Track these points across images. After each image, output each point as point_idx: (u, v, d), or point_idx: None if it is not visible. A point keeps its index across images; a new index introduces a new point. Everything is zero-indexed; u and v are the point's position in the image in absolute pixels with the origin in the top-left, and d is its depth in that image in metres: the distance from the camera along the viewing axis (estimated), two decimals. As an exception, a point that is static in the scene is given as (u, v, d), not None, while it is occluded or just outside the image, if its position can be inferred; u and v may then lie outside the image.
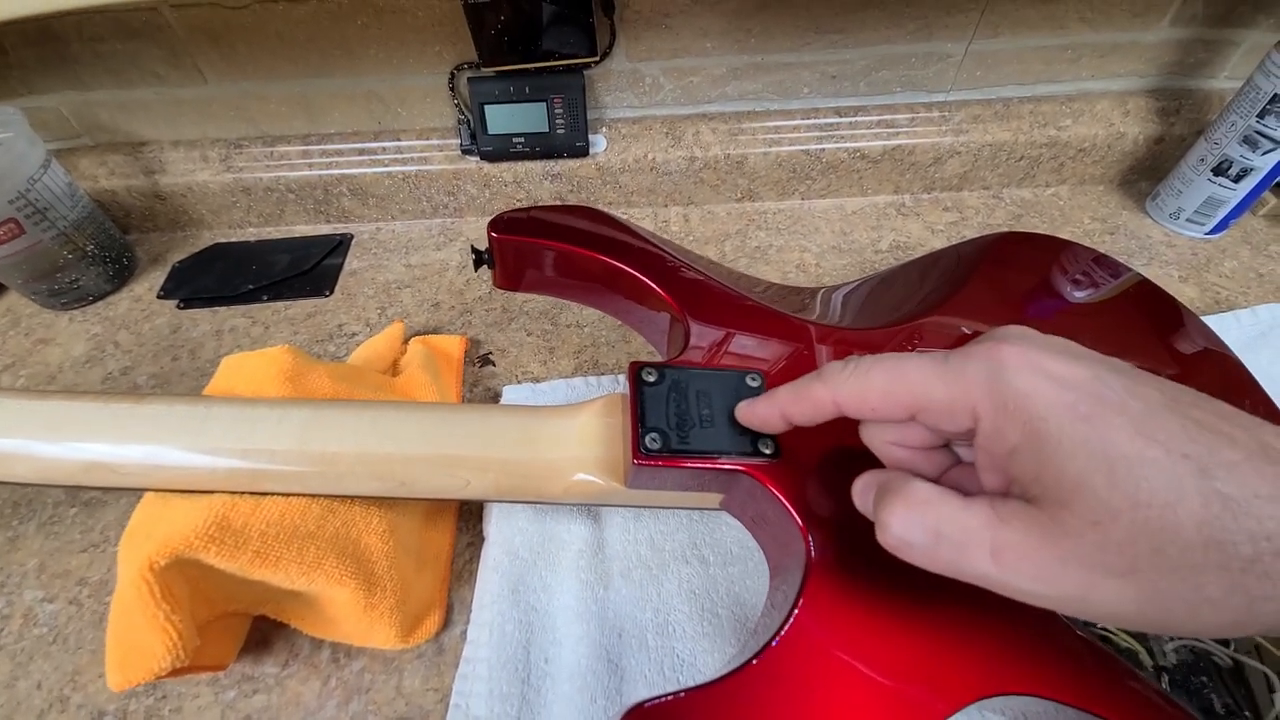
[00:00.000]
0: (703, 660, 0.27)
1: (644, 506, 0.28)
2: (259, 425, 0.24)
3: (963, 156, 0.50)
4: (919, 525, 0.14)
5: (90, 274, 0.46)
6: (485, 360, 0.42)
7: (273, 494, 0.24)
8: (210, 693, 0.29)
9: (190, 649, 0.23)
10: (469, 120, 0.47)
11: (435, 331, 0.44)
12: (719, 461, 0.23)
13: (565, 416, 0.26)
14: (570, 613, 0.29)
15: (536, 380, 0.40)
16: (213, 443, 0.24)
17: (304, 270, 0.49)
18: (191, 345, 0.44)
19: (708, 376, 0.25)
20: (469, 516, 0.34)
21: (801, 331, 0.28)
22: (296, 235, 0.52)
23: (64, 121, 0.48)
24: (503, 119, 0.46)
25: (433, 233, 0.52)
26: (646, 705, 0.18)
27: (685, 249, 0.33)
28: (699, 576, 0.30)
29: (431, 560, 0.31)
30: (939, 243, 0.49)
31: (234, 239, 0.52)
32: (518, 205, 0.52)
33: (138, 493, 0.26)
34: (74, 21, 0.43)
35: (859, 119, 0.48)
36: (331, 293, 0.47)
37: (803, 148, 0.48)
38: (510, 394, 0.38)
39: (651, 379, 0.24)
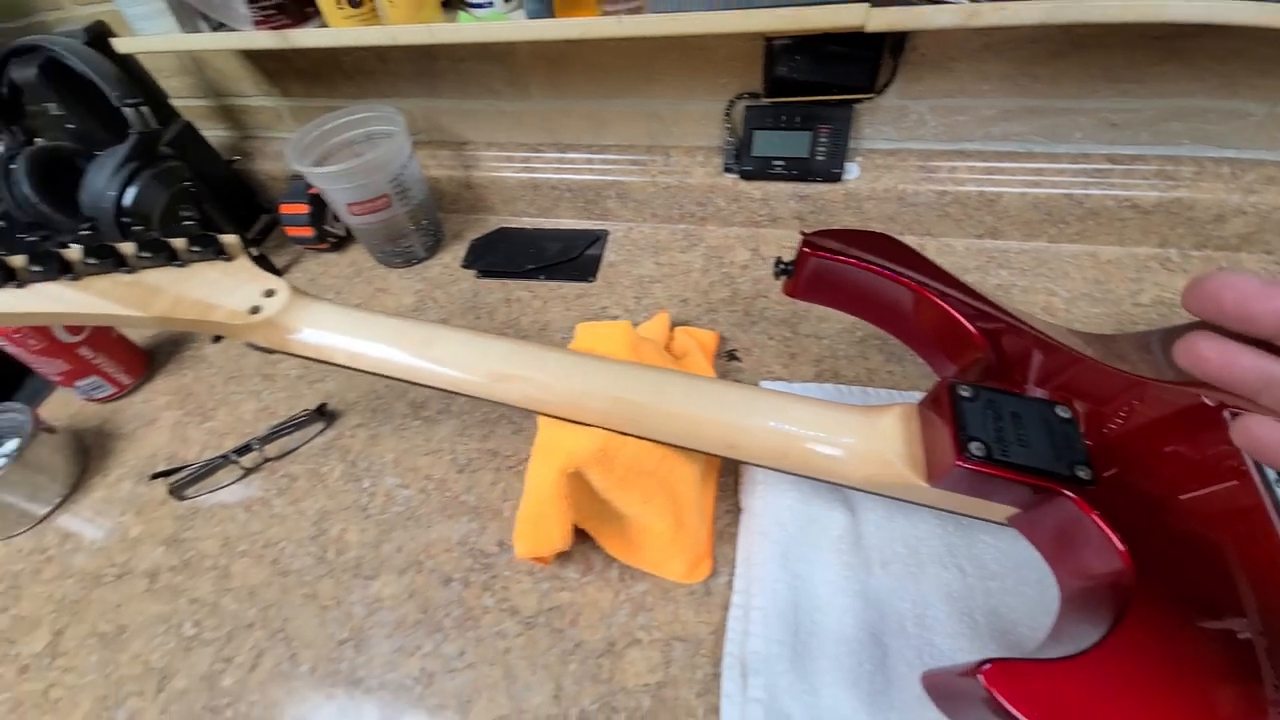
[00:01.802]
0: (963, 658, 0.30)
1: (929, 506, 0.31)
2: (632, 382, 0.31)
3: (1249, 217, 0.47)
4: None
5: (418, 242, 0.59)
6: (732, 356, 0.47)
7: (632, 435, 0.31)
8: (530, 581, 0.37)
9: (570, 539, 0.30)
10: (736, 142, 0.53)
11: (685, 324, 0.50)
12: (1041, 480, 0.25)
13: (870, 415, 0.30)
14: (832, 587, 0.33)
15: (780, 380, 0.44)
16: (596, 387, 0.31)
17: (572, 257, 0.58)
18: (489, 308, 0.55)
19: (1020, 401, 0.27)
20: (725, 488, 0.39)
21: (1109, 378, 0.30)
22: (563, 227, 0.62)
23: (413, 120, 0.61)
24: (768, 143, 0.52)
25: (677, 236, 0.59)
26: (1003, 661, 0.21)
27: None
28: (957, 583, 0.32)
29: (705, 515, 0.36)
30: (1208, 303, 0.46)
31: (513, 224, 0.63)
32: (758, 220, 0.57)
33: (507, 412, 0.34)
34: (447, 44, 0.54)
35: (1135, 167, 0.47)
36: (594, 279, 0.56)
37: (1065, 192, 0.48)
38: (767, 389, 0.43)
39: (967, 394, 0.27)
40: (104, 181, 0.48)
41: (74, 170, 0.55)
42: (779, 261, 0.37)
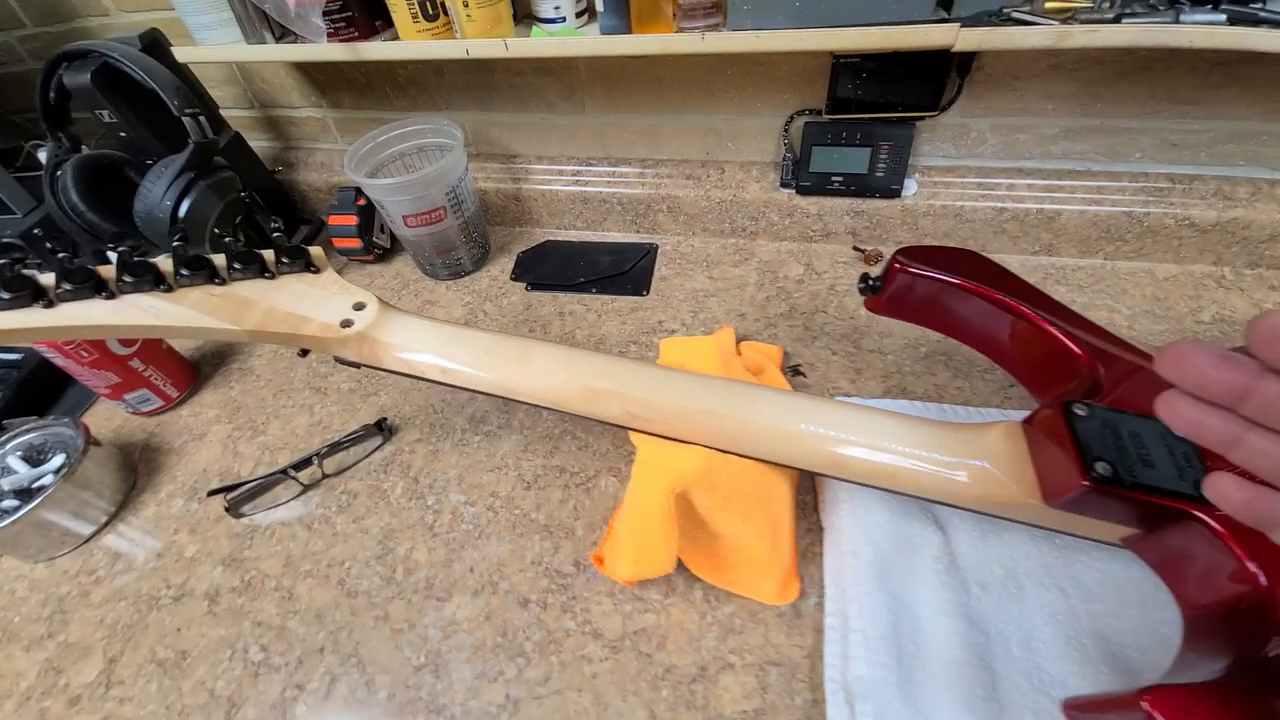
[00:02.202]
0: (1074, 684, 0.29)
1: (1036, 526, 0.31)
2: (734, 398, 0.31)
3: (1303, 236, 0.47)
4: None
5: (467, 255, 0.58)
6: (796, 371, 0.47)
7: (734, 453, 0.30)
8: (610, 603, 0.36)
9: (675, 561, 0.29)
10: (793, 158, 0.53)
11: (747, 339, 0.50)
12: (1170, 500, 0.25)
13: (973, 433, 0.30)
14: (933, 608, 0.32)
15: (852, 396, 0.44)
16: (699, 404, 0.31)
17: (624, 271, 0.57)
18: (542, 321, 0.54)
19: (1137, 420, 0.27)
20: (803, 506, 0.39)
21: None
22: (611, 241, 0.61)
23: (462, 133, 0.61)
24: (826, 159, 0.52)
25: (728, 251, 0.58)
26: (1163, 687, 0.20)
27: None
28: (1060, 604, 0.32)
29: (789, 535, 0.36)
30: (1268, 321, 0.47)
31: (559, 237, 0.63)
32: (811, 235, 0.57)
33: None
34: (511, 59, 0.54)
35: (1193, 187, 0.47)
36: (647, 293, 0.55)
37: (1125, 210, 0.48)
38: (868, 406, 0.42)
39: (1083, 413, 0.27)
40: (161, 190, 0.47)
41: (120, 178, 0.55)
42: (865, 277, 0.36)
